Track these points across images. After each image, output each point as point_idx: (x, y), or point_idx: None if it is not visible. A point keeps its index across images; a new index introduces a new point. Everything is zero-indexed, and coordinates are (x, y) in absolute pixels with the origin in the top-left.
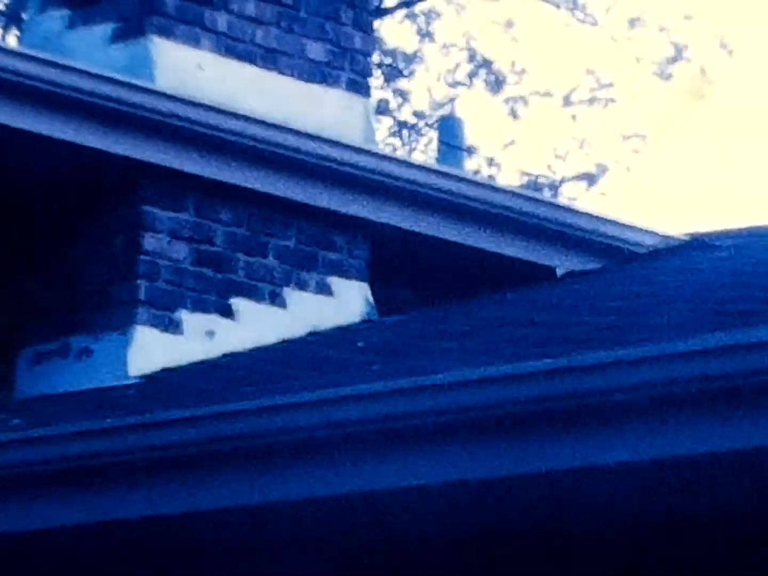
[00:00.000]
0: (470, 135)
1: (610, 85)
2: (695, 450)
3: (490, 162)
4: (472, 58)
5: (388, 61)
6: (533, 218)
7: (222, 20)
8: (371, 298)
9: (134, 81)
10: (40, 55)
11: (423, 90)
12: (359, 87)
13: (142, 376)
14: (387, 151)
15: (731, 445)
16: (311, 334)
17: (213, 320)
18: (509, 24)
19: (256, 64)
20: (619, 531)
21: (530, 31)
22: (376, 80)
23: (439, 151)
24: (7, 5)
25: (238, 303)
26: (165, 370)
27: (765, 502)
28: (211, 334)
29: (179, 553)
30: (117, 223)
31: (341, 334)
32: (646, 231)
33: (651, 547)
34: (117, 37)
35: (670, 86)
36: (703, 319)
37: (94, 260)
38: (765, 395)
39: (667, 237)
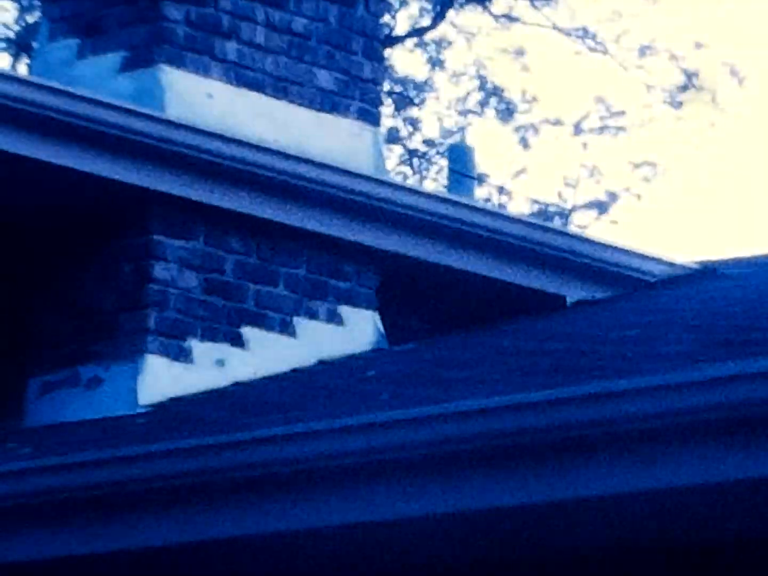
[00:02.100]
0: (481, 163)
1: (621, 113)
2: (703, 479)
3: (501, 190)
4: (482, 86)
5: (398, 89)
6: (543, 247)
7: (232, 49)
8: (381, 327)
9: (144, 110)
10: (50, 84)
11: (433, 118)
12: (369, 116)
13: (151, 406)
14: (397, 179)
15: (740, 474)
16: (321, 363)
17: (223, 349)
18: (520, 52)
19: (266, 93)
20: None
21: (541, 60)
22: (386, 108)
23: (449, 179)
24: (17, 34)
25: (248, 332)
26: (175, 400)
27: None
28: (221, 363)
29: None
30: (127, 251)
31: (351, 363)
32: (657, 260)
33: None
34: (126, 66)
35: (680, 113)
36: (713, 348)
37: (103, 289)
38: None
39: (677, 266)
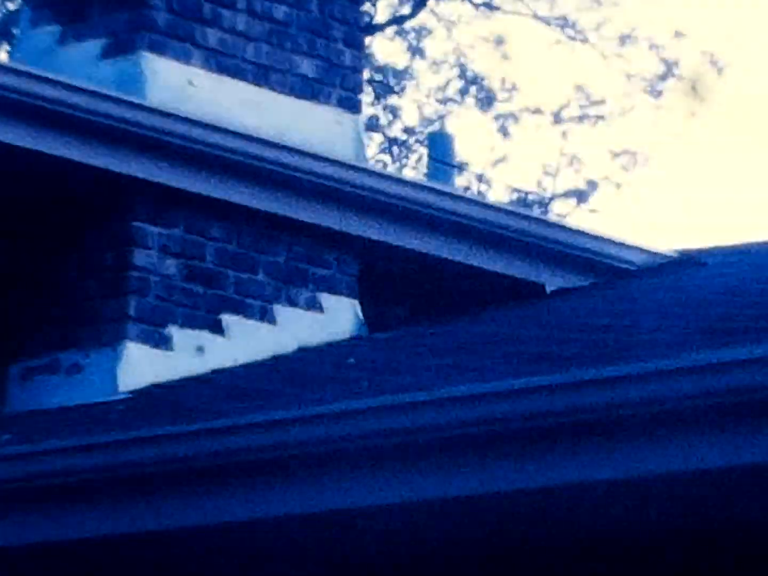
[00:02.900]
0: (460, 151)
1: (601, 102)
2: (685, 467)
3: (480, 178)
4: (462, 74)
5: (378, 77)
6: (523, 235)
7: (213, 36)
8: (361, 315)
9: (125, 97)
10: (31, 70)
11: (413, 106)
12: (350, 103)
13: (131, 392)
14: (377, 167)
15: (722, 462)
16: (301, 350)
17: (203, 336)
18: (500, 41)
19: (247, 81)
20: (607, 547)
21: (521, 48)
22: (366, 96)
23: (429, 167)
24: None
25: (228, 319)
26: (155, 386)
27: (759, 516)
28: (201, 350)
29: (167, 570)
30: (107, 238)
31: (331, 350)
32: (636, 248)
33: (645, 561)
34: (108, 52)
35: (661, 103)
36: (693, 336)
37: (84, 276)
38: (755, 412)
39: (657, 254)
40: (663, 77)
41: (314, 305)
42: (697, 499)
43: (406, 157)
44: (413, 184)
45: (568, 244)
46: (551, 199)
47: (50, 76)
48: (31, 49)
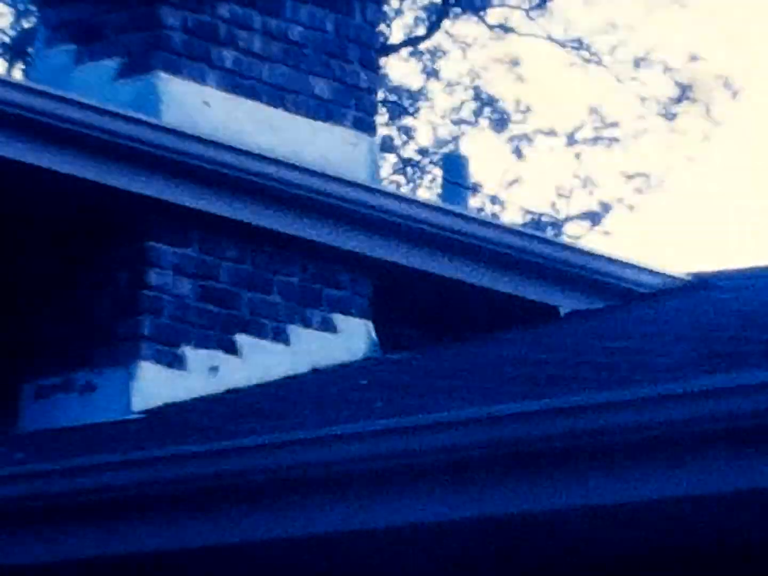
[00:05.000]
0: (474, 173)
1: (615, 124)
2: (693, 491)
3: (494, 200)
4: (476, 96)
5: (393, 98)
6: (536, 257)
7: (228, 57)
8: (375, 336)
9: (140, 116)
10: (47, 89)
11: (427, 127)
12: (365, 124)
13: (145, 412)
14: (391, 188)
15: (730, 486)
16: (314, 371)
17: (217, 356)
18: (514, 62)
19: (262, 101)
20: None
21: (535, 70)
22: (380, 117)
23: (443, 188)
24: (12, 39)
25: (241, 339)
26: (168, 406)
27: (758, 540)
28: (214, 370)
29: None
30: (121, 258)
31: (344, 371)
32: (649, 271)
33: None
34: (123, 72)
35: (674, 125)
36: (705, 360)
37: (98, 295)
38: (765, 437)
39: (670, 277)
40: (677, 100)
41: (328, 326)
42: (705, 522)
43: (420, 178)
44: (427, 206)
45: (582, 266)
46: (565, 221)
47: (65, 95)
48: (47, 68)
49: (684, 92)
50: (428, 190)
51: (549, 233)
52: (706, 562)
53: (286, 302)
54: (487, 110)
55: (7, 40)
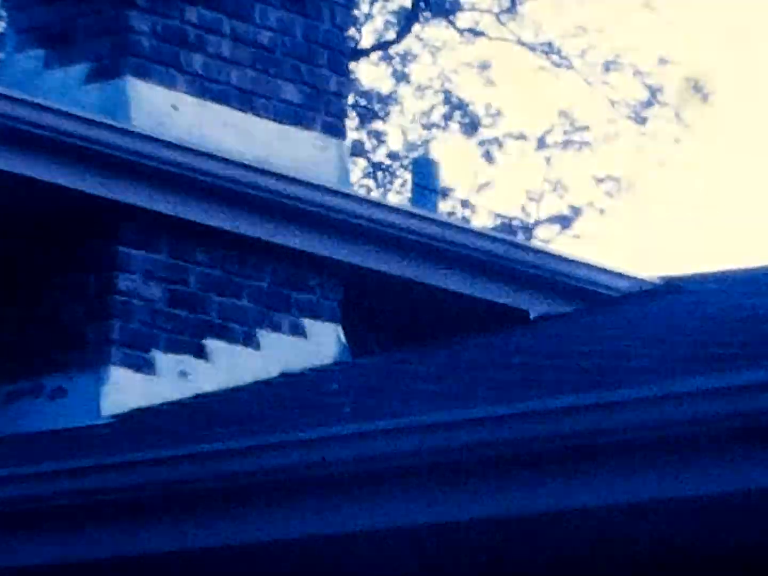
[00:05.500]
0: (445, 177)
1: (585, 128)
2: (665, 494)
3: (465, 204)
4: (447, 100)
5: (363, 102)
6: (507, 261)
7: (198, 61)
8: (344, 340)
9: (110, 121)
10: (16, 94)
11: (398, 132)
12: (334, 129)
13: (115, 416)
14: (361, 192)
15: (699, 491)
16: (284, 375)
17: (187, 361)
18: (484, 66)
19: (231, 105)
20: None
21: (505, 74)
22: (350, 121)
23: (413, 192)
24: None
25: (211, 344)
26: (138, 411)
27: (749, 542)
28: (184, 374)
29: None
30: (91, 262)
31: (314, 375)
32: (620, 274)
33: None
34: (93, 77)
35: (645, 129)
36: (676, 364)
37: (68, 300)
38: (742, 438)
39: (640, 281)
40: (647, 104)
41: (297, 330)
42: (677, 526)
43: (390, 182)
44: (397, 210)
45: (552, 270)
46: (535, 224)
47: (34, 100)
48: (16, 72)
49: (654, 96)
50: (398, 194)
51: (519, 237)
52: (693, 566)
53: (256, 307)
54: (457, 114)
55: None
